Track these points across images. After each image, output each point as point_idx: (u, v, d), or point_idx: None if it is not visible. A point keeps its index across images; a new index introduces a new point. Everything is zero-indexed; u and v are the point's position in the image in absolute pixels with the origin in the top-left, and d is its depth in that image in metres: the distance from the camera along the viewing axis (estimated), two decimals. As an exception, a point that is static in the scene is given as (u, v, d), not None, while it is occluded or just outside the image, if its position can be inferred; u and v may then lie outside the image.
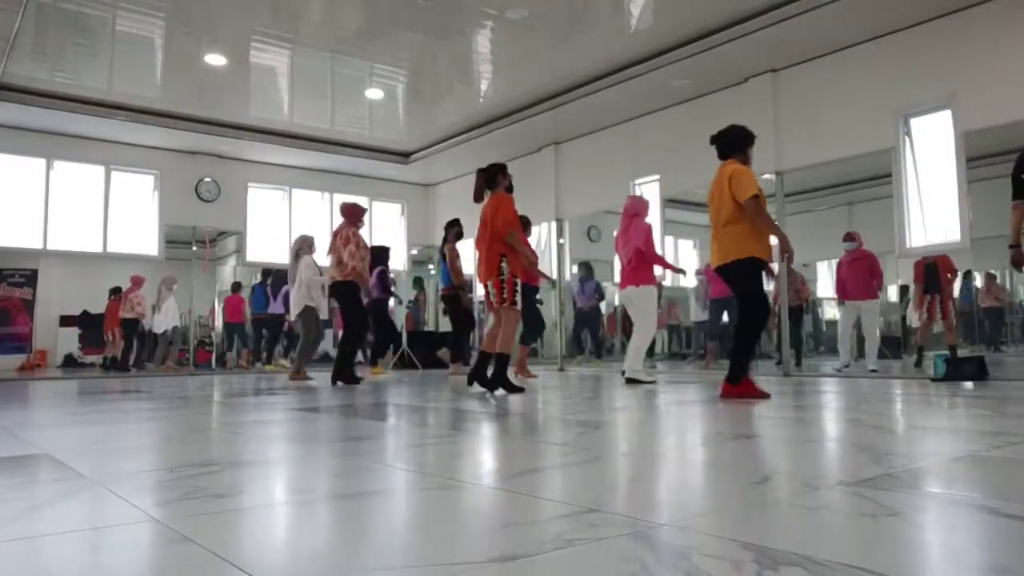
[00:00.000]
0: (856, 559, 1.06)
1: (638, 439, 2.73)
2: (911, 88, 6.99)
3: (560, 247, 10.63)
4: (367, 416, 3.66)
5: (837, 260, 8.11)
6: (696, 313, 10.31)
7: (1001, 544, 1.21)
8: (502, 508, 1.56)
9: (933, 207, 7.02)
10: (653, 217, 7.22)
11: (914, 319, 7.86)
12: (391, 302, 9.90)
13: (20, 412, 4.05)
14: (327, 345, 11.72)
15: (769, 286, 5.28)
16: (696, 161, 8.96)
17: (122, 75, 8.79)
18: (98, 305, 11.36)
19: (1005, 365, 7.60)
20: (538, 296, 8.16)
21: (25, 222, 10.35)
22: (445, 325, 13.18)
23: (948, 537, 1.28)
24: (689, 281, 10.37)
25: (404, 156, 12.02)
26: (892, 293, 8.26)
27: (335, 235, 6.78)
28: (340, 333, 7.11)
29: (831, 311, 10.06)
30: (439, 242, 8.43)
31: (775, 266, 5.49)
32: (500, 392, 4.98)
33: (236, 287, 11.87)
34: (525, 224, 6.61)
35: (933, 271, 7.27)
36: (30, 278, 11.13)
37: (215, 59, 8.28)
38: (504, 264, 5.00)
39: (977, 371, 5.78)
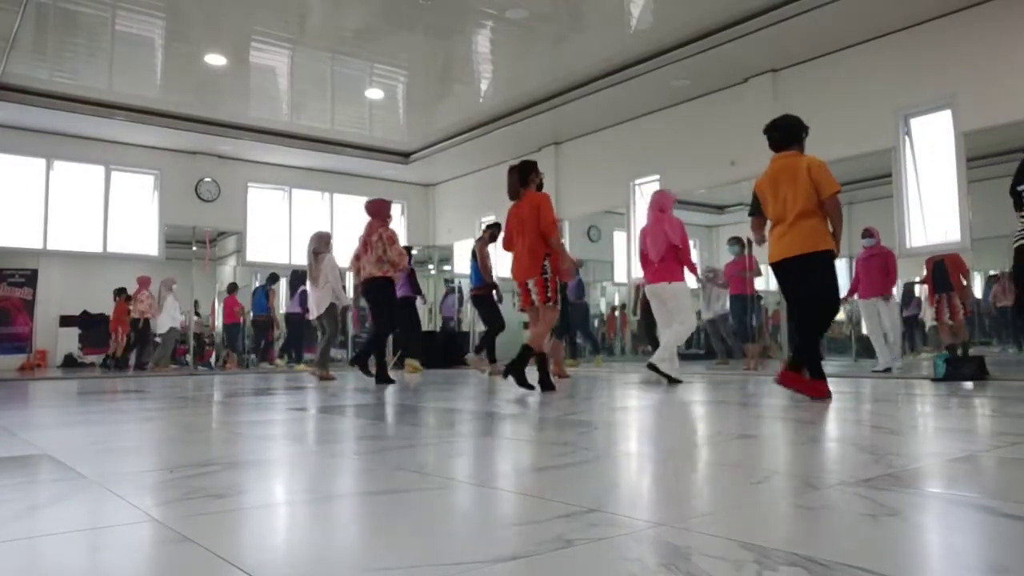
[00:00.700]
0: (856, 559, 1.06)
1: (638, 439, 2.73)
2: (911, 88, 6.99)
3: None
4: (375, 417, 3.66)
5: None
6: (704, 313, 10.26)
7: (1001, 544, 1.21)
8: (502, 508, 1.56)
9: (933, 207, 7.02)
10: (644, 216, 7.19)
11: (928, 318, 7.75)
12: (418, 301, 9.91)
13: (20, 412, 4.05)
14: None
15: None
16: (696, 161, 9.00)
17: (122, 75, 8.79)
18: (98, 305, 11.36)
19: (1006, 365, 7.60)
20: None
21: (25, 222, 10.36)
22: (444, 325, 13.22)
23: (948, 537, 1.28)
24: (690, 281, 10.32)
25: (404, 156, 12.02)
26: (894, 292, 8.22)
27: (368, 234, 6.74)
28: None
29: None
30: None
31: None
32: (521, 389, 5.00)
33: (232, 288, 11.88)
34: None
35: (941, 270, 7.20)
36: (30, 278, 11.12)
37: (215, 59, 8.28)
38: (547, 263, 5.08)
39: (977, 371, 5.77)
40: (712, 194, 9.53)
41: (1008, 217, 4.84)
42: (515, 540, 1.24)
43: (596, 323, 11.74)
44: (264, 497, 1.73)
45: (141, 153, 11.09)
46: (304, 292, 8.14)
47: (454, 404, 4.31)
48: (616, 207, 10.22)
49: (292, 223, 12.29)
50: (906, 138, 7.13)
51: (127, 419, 3.63)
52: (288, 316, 11.62)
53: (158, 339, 10.52)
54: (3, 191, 10.27)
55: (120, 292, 10.97)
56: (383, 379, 6.58)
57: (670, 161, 9.20)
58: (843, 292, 5.79)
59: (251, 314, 12.03)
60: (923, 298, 8.05)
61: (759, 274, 8.59)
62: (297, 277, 11.33)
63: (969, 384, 5.39)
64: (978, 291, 7.94)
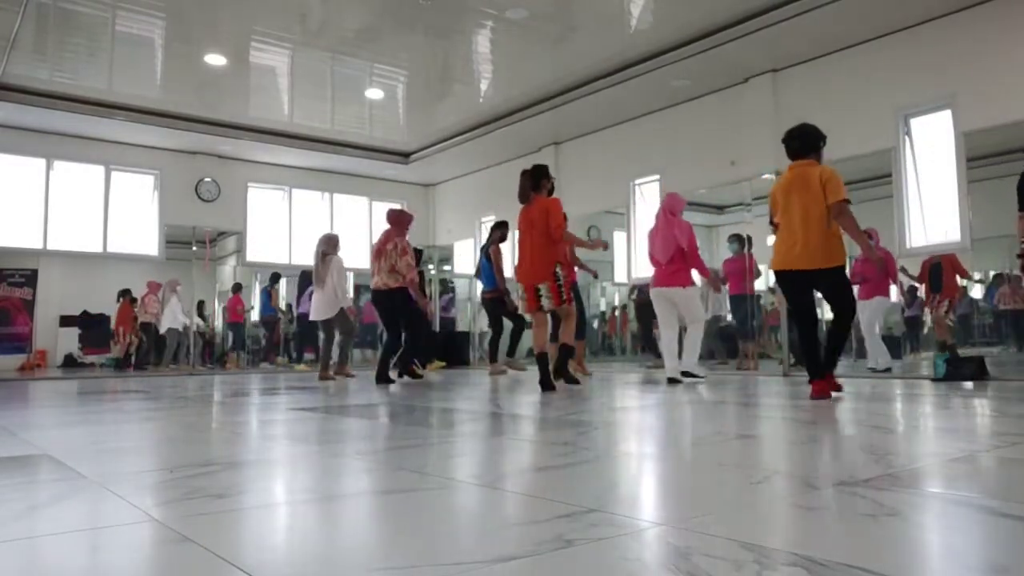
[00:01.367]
0: (856, 559, 1.06)
1: (638, 439, 2.73)
2: (911, 88, 6.99)
3: (560, 247, 10.61)
4: (375, 417, 3.66)
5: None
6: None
7: (1001, 544, 1.21)
8: (502, 508, 1.56)
9: (933, 207, 7.01)
10: (653, 217, 7.19)
11: (928, 318, 7.76)
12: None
13: (20, 412, 4.05)
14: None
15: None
16: (696, 161, 8.99)
17: (122, 75, 8.79)
18: (98, 305, 11.36)
19: (1005, 365, 7.59)
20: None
21: (25, 222, 10.36)
22: (445, 326, 13.22)
23: (948, 537, 1.28)
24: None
25: (404, 156, 12.02)
26: (893, 293, 8.20)
27: (383, 242, 6.81)
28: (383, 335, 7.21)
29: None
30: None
31: None
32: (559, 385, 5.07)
33: (236, 288, 11.92)
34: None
35: (937, 270, 7.21)
36: (30, 278, 11.12)
37: (215, 59, 8.27)
38: (558, 269, 5.15)
39: (977, 371, 5.77)
40: (712, 194, 9.51)
41: (1008, 217, 4.84)
42: (515, 540, 1.24)
43: (596, 323, 11.73)
44: (264, 497, 1.73)
45: (141, 153, 11.08)
46: (313, 293, 8.23)
47: (454, 404, 4.31)
48: (616, 207, 10.21)
49: (292, 223, 12.29)
50: (906, 138, 7.13)
51: (127, 419, 3.63)
52: (300, 316, 11.66)
53: (172, 337, 10.63)
54: (3, 191, 10.26)
55: (124, 293, 11.00)
56: (383, 379, 6.60)
57: (670, 161, 9.19)
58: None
59: (256, 312, 12.10)
60: (922, 298, 8.04)
61: (759, 275, 8.60)
62: (306, 278, 11.35)
63: (969, 384, 5.39)
64: (978, 291, 7.92)
